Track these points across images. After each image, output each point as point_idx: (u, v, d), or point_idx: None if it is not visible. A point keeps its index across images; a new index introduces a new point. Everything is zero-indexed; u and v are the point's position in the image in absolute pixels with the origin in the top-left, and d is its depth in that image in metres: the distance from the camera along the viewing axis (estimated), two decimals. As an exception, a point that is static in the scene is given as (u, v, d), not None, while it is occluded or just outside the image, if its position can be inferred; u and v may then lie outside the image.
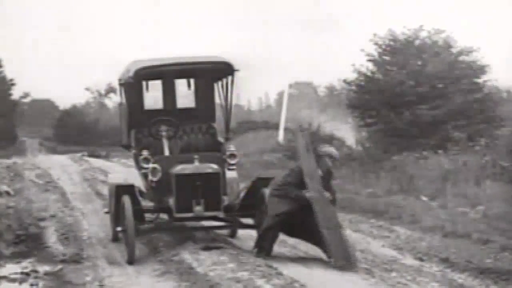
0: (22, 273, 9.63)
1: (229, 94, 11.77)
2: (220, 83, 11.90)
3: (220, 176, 10.61)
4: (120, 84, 12.00)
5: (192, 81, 12.42)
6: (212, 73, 11.94)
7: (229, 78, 11.58)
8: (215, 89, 12.15)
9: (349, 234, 12.69)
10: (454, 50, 26.07)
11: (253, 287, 8.46)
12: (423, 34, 26.37)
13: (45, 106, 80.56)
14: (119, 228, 10.54)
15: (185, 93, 12.51)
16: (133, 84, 11.42)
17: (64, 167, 25.64)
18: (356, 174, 20.93)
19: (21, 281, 9.29)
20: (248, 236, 11.41)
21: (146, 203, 10.92)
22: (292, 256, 10.47)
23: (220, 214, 10.67)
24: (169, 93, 12.30)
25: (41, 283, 9.19)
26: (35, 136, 67.88)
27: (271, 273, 8.97)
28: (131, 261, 10.04)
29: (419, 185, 17.53)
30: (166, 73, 11.83)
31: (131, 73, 11.18)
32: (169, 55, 11.90)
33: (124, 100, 11.94)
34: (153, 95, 12.35)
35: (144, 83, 12.02)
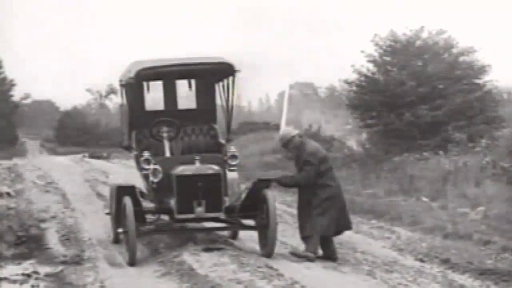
0: (23, 274, 9.61)
1: (230, 95, 11.77)
2: (221, 84, 11.90)
3: (221, 177, 10.60)
4: (121, 85, 11.99)
5: (193, 82, 12.41)
6: (213, 74, 11.93)
7: (230, 79, 11.57)
8: (216, 90, 12.15)
9: (350, 235, 12.72)
10: (455, 51, 26.08)
11: (254, 288, 8.48)
12: (424, 34, 26.40)
13: (45, 107, 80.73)
14: (120, 230, 10.53)
15: (186, 94, 12.51)
16: (134, 85, 11.42)
17: (65, 168, 25.63)
18: (357, 175, 20.94)
19: (22, 283, 9.28)
20: (249, 237, 11.41)
21: (147, 204, 10.91)
22: (293, 257, 10.46)
23: (221, 215, 10.66)
24: (170, 94, 12.30)
25: (42, 285, 9.18)
26: (35, 137, 67.96)
27: (272, 274, 8.97)
28: (132, 262, 10.03)
29: (420, 186, 17.54)
30: (167, 74, 11.82)
31: (132, 74, 11.18)
32: (170, 56, 11.90)
33: (125, 101, 11.94)
34: (154, 96, 12.35)
35: (145, 84, 12.01)
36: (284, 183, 10.80)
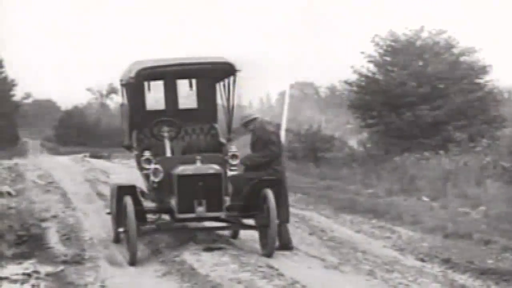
0: (23, 274, 9.60)
1: (231, 94, 11.77)
2: (222, 83, 11.90)
3: (222, 177, 10.59)
4: (122, 85, 11.99)
5: (194, 81, 12.41)
6: (214, 74, 11.94)
7: (231, 78, 11.58)
8: (217, 90, 12.15)
9: (351, 234, 12.72)
10: (455, 51, 26.08)
11: (255, 288, 8.48)
12: (424, 34, 26.40)
13: (46, 107, 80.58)
14: (120, 229, 10.53)
15: (187, 94, 12.51)
16: (135, 85, 11.42)
17: (65, 168, 25.63)
18: (357, 174, 20.96)
19: (22, 282, 9.28)
20: (249, 237, 11.41)
21: (148, 204, 10.91)
22: (293, 257, 10.47)
23: (222, 215, 10.66)
24: (171, 93, 12.29)
25: (42, 284, 9.18)
26: (36, 137, 67.87)
27: (272, 274, 8.98)
28: (132, 262, 10.03)
29: (420, 186, 17.54)
30: (168, 74, 11.83)
31: (133, 74, 11.18)
32: (171, 56, 11.91)
33: (126, 101, 11.93)
34: (155, 96, 12.35)
35: (146, 83, 12.01)
36: (246, 164, 11.04)
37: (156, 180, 10.71)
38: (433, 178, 17.91)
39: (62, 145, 57.85)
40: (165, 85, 12.29)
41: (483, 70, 25.71)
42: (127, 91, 11.79)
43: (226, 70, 11.51)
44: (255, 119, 11.20)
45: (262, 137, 11.00)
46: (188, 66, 11.62)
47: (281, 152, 11.22)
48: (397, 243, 12.00)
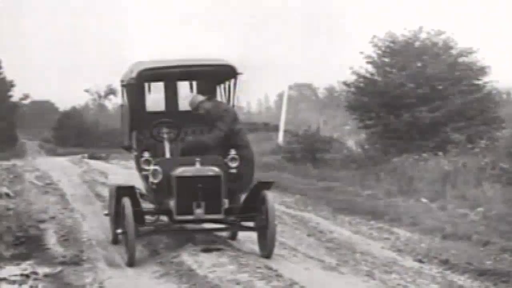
0: (21, 275, 9.58)
1: (231, 97, 11.76)
2: (222, 86, 11.89)
3: (221, 179, 10.56)
4: (122, 85, 11.95)
5: (194, 83, 12.39)
6: (214, 76, 11.92)
7: (232, 81, 11.57)
8: (217, 92, 12.13)
9: (349, 236, 12.73)
10: (454, 52, 26.09)
11: (253, 289, 8.47)
12: (423, 35, 26.41)
13: (44, 108, 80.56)
14: (119, 230, 10.52)
15: (187, 95, 12.48)
16: (136, 86, 11.39)
17: (64, 169, 25.62)
18: (356, 176, 20.96)
19: (20, 283, 9.26)
20: (248, 238, 11.41)
21: (147, 205, 10.90)
22: (292, 258, 10.47)
23: (221, 217, 10.64)
24: (171, 95, 12.27)
25: (40, 285, 9.16)
26: (34, 138, 67.84)
27: (271, 275, 8.96)
28: (131, 263, 10.02)
29: (419, 187, 17.55)
30: (169, 75, 11.81)
31: (134, 74, 11.16)
32: (172, 57, 11.90)
33: (126, 101, 11.92)
34: (155, 97, 12.32)
35: (146, 84, 11.99)
36: (189, 147, 10.98)
37: (155, 181, 10.68)
38: (431, 180, 17.91)
39: (60, 146, 57.77)
40: (166, 87, 12.27)
41: (482, 71, 25.72)
42: (128, 92, 11.76)
43: (227, 73, 11.49)
44: (201, 102, 11.20)
45: (213, 116, 11.00)
46: (189, 68, 11.61)
47: (242, 131, 11.24)
48: (396, 244, 12.01)
